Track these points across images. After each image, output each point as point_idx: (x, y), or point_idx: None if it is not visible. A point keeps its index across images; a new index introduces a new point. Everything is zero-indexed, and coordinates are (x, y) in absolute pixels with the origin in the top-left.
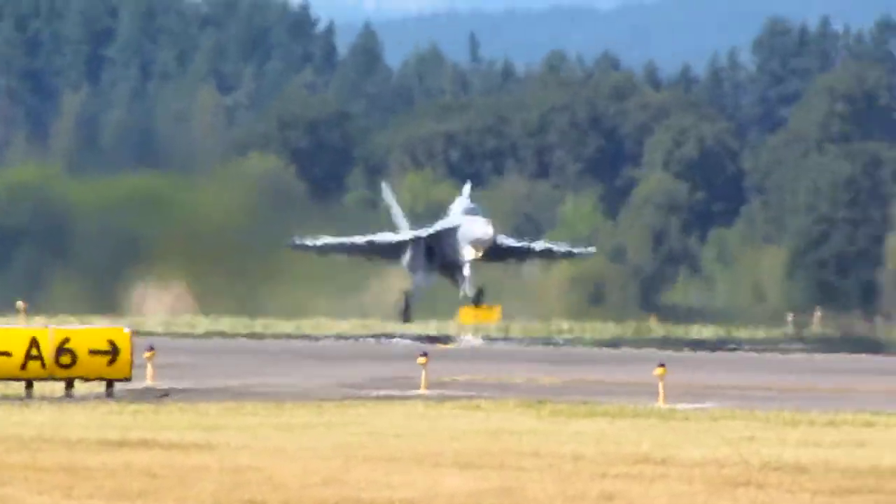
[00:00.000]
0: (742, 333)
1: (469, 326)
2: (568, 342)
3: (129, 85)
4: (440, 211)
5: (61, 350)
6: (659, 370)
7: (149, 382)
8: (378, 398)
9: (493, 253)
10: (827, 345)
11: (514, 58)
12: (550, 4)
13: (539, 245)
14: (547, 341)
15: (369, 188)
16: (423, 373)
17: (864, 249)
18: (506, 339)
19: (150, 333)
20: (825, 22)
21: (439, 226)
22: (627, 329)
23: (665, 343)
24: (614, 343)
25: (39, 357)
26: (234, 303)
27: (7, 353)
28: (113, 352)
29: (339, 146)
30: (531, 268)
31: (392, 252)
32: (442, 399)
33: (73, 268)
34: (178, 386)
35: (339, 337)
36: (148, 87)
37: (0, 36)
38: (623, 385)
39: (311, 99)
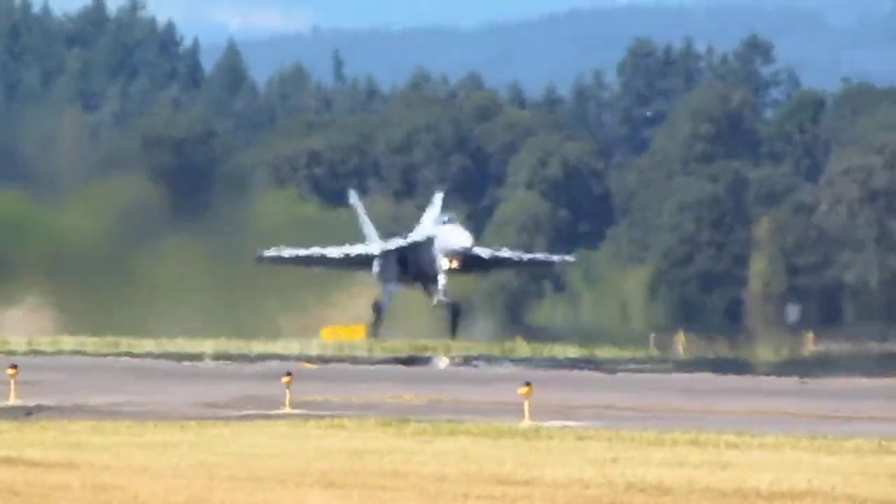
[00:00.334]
0: (607, 353)
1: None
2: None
3: None
4: (310, 227)
5: None
6: (524, 389)
7: (12, 401)
8: (242, 417)
9: (468, 263)
10: (691, 365)
11: (379, 77)
12: (414, 24)
13: (516, 255)
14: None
15: (234, 206)
16: (288, 392)
17: (728, 270)
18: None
19: (13, 353)
20: (690, 42)
21: (414, 236)
22: (494, 348)
23: (530, 362)
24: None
25: None
26: (97, 322)
27: None
28: None
29: (205, 164)
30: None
31: (363, 263)
32: (306, 418)
33: None
34: (42, 404)
35: (218, 357)
36: (13, 107)
37: None
38: (488, 404)
39: (177, 116)
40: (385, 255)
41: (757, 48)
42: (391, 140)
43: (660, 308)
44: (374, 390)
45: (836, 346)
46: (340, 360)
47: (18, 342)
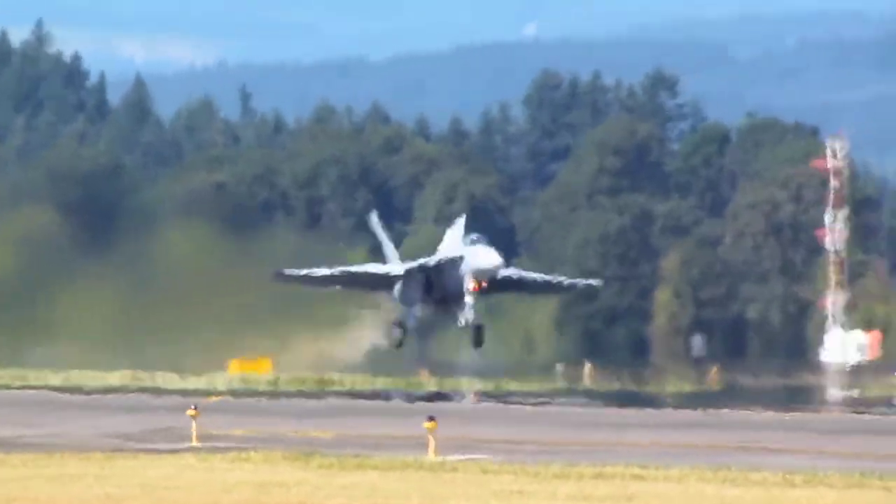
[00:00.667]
0: (513, 386)
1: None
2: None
3: None
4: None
5: None
6: (429, 424)
7: None
8: (149, 450)
9: (498, 284)
10: (596, 398)
11: (286, 110)
12: (322, 57)
13: (545, 277)
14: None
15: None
16: (194, 425)
17: (634, 303)
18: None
19: None
20: (596, 75)
21: (440, 257)
22: (399, 382)
23: (437, 395)
24: (387, 395)
25: None
26: (2, 354)
27: None
28: None
29: (112, 198)
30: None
31: (385, 284)
32: (212, 451)
33: None
34: None
35: (124, 390)
36: None
37: None
38: (394, 438)
39: (83, 150)
40: (409, 275)
41: (663, 82)
42: (297, 173)
43: (566, 341)
44: (281, 424)
45: (741, 379)
46: (249, 394)
47: None
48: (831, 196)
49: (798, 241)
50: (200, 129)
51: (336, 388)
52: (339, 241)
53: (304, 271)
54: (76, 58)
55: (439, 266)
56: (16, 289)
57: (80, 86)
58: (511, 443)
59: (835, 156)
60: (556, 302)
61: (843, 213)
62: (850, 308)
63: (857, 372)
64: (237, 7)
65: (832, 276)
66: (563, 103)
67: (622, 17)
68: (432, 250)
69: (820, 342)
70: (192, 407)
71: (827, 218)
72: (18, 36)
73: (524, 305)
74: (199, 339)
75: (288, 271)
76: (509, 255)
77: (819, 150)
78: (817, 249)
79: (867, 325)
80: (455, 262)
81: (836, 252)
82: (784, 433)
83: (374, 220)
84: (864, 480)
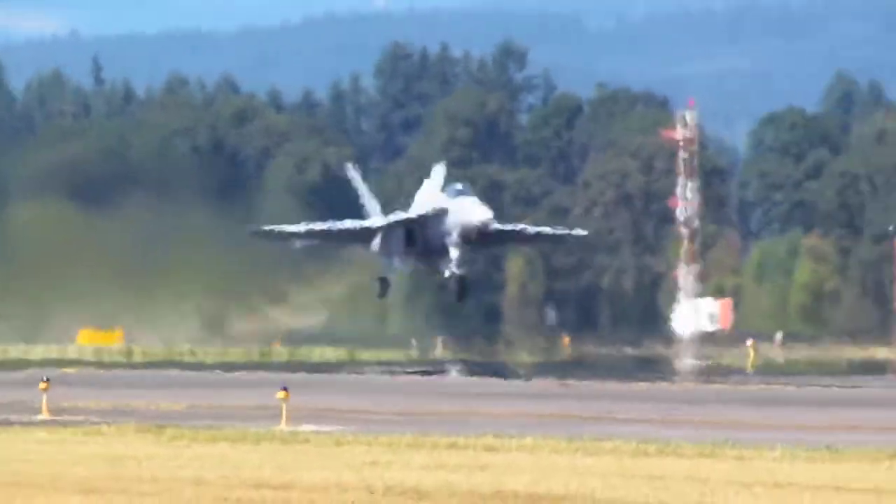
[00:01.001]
0: (366, 356)
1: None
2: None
3: None
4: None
5: None
6: (281, 393)
7: None
8: None
9: (484, 237)
10: (452, 367)
11: (138, 81)
12: (173, 27)
13: (531, 228)
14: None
15: None
16: (44, 398)
17: (486, 273)
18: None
19: None
20: (445, 47)
21: (421, 210)
22: (252, 353)
23: (288, 366)
24: (239, 367)
25: None
26: None
27: None
28: None
29: None
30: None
31: (363, 237)
32: (64, 424)
33: None
34: None
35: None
36: None
37: None
38: (246, 409)
39: None
40: (389, 228)
41: (512, 54)
42: (148, 145)
43: (418, 313)
44: (133, 397)
45: (593, 349)
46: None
47: None
48: (681, 166)
49: (649, 211)
50: (52, 100)
51: (187, 359)
52: (191, 212)
53: (282, 227)
54: None
55: (422, 219)
56: None
57: None
58: (365, 413)
59: (685, 126)
60: (406, 273)
61: (694, 183)
62: (702, 278)
63: (708, 341)
64: None
65: (684, 246)
66: (413, 75)
67: None
68: (285, 220)
69: (672, 312)
70: (44, 379)
71: (678, 188)
72: None
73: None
74: (50, 310)
75: (266, 227)
76: None
77: (669, 121)
78: (669, 220)
79: (718, 295)
80: (439, 215)
81: (688, 222)
82: (636, 403)
83: (353, 171)
84: (717, 450)
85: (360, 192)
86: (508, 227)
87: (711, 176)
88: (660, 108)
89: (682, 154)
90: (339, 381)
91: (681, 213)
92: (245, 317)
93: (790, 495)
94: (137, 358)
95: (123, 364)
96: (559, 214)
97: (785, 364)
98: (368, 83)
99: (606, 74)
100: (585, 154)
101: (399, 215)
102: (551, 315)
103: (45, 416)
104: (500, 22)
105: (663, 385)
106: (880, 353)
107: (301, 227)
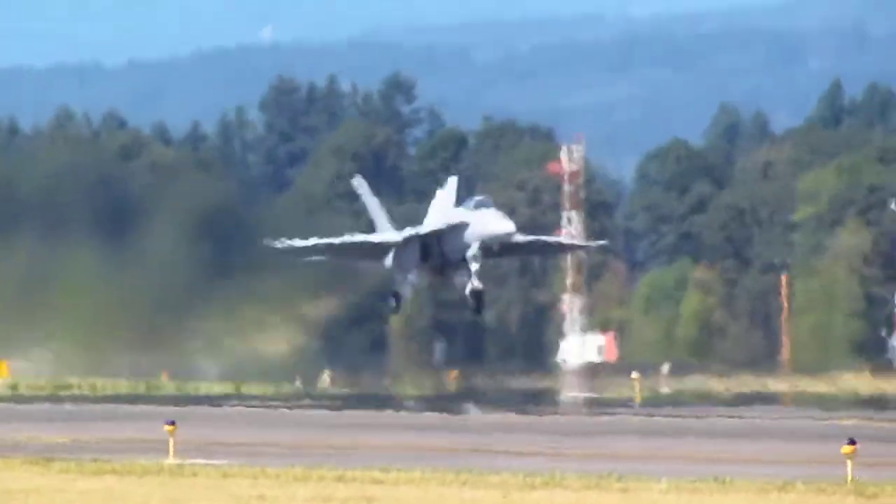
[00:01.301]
0: (252, 390)
1: None
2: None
3: None
4: None
5: None
6: (168, 427)
7: None
8: None
9: (504, 248)
10: (337, 401)
11: (24, 115)
12: (58, 61)
13: (550, 238)
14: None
15: None
16: None
17: (371, 305)
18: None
19: None
20: (333, 80)
21: (439, 223)
22: (139, 386)
23: (176, 399)
24: (126, 399)
25: None
26: None
27: None
28: None
29: None
30: None
31: (376, 252)
32: None
33: None
34: None
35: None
36: None
37: None
38: (133, 442)
39: None
40: (406, 242)
41: (399, 87)
42: (33, 180)
43: (307, 346)
44: (19, 430)
45: (480, 383)
46: None
47: None
48: (567, 199)
49: None
50: None
51: (74, 392)
52: (74, 249)
53: (295, 241)
54: None
55: (440, 232)
56: None
57: None
58: (253, 446)
59: (570, 158)
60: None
61: (580, 216)
62: (588, 310)
63: (595, 373)
64: None
65: (570, 278)
66: (300, 108)
67: (359, 22)
68: (169, 257)
69: (558, 344)
70: None
71: (563, 221)
72: None
73: (266, 308)
74: None
75: (279, 243)
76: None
77: (555, 154)
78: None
79: (604, 328)
80: (458, 229)
81: (574, 254)
82: (523, 435)
83: (362, 184)
84: (602, 482)
85: (367, 206)
86: (530, 238)
87: (596, 208)
88: (546, 141)
89: (567, 187)
90: (228, 414)
91: None
92: (132, 351)
93: None
94: (23, 391)
95: (9, 398)
96: None
97: (672, 395)
98: (255, 116)
99: (493, 107)
100: (472, 187)
101: (416, 229)
102: (439, 348)
103: None
104: (387, 55)
105: (550, 418)
106: (767, 383)
107: (315, 242)
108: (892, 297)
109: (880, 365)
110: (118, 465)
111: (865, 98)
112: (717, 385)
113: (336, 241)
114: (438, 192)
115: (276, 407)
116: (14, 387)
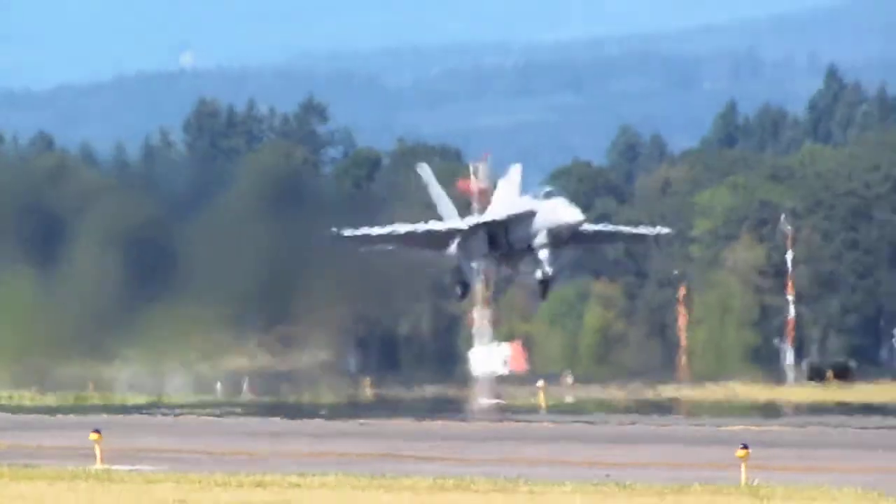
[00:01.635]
0: (175, 399)
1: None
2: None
3: None
4: None
5: None
6: (94, 435)
7: None
8: None
9: (572, 237)
10: (258, 409)
11: None
12: None
13: (615, 228)
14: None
15: None
16: None
17: None
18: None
19: None
20: (252, 104)
21: (506, 211)
22: (68, 397)
23: (104, 409)
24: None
25: None
26: None
27: None
28: None
29: None
30: None
31: (442, 241)
32: None
33: None
34: None
35: None
36: None
37: None
38: (62, 449)
39: None
40: (473, 230)
41: (313, 109)
42: None
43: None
44: None
45: (393, 391)
46: None
47: None
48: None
49: None
50: None
51: (4, 402)
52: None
53: (363, 230)
54: None
55: (507, 220)
56: None
57: None
58: (176, 452)
59: (478, 178)
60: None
61: None
62: (495, 322)
63: (503, 382)
64: None
65: (479, 291)
66: (220, 131)
67: (277, 49)
68: (96, 274)
69: (467, 355)
70: None
71: None
72: None
73: (188, 318)
74: None
75: (347, 231)
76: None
77: (464, 173)
78: None
79: (510, 338)
80: (525, 217)
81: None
82: (434, 442)
83: (427, 172)
84: (510, 485)
85: (433, 195)
86: (598, 226)
87: None
88: (455, 161)
89: (475, 205)
90: (153, 422)
91: None
92: (62, 366)
93: None
94: None
95: None
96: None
97: (575, 403)
98: (178, 138)
99: (404, 129)
100: (385, 206)
101: (483, 216)
102: (351, 361)
103: None
104: (302, 80)
105: (460, 424)
106: (665, 391)
107: (385, 230)
108: (786, 307)
109: (772, 373)
110: (47, 471)
111: (758, 119)
112: (617, 393)
113: (403, 228)
114: (500, 182)
115: (199, 415)
116: None
